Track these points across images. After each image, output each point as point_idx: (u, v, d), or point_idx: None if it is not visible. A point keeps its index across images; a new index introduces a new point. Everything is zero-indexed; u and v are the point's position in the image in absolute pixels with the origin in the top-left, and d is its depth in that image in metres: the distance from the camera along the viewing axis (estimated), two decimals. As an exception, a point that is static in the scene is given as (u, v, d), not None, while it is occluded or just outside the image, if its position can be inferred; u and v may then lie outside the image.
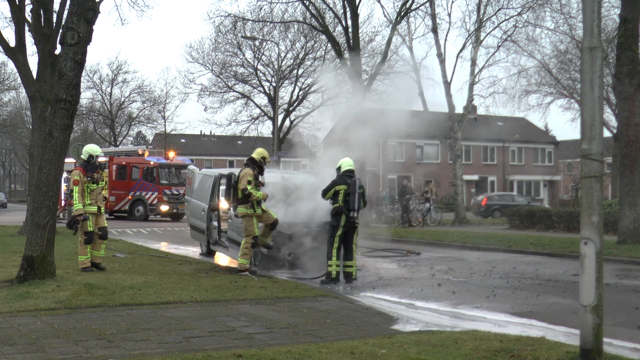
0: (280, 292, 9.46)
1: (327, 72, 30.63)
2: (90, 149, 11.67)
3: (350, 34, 27.02)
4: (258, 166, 11.79)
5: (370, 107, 24.85)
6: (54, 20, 20.49)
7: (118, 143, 56.23)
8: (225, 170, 14.57)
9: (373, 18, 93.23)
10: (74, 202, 11.15)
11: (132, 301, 8.48)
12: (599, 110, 5.66)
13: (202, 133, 74.93)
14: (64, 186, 32.12)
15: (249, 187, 11.36)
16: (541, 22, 33.79)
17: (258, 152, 11.96)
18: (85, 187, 11.24)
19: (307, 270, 12.31)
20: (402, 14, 28.51)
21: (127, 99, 58.34)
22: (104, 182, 12.04)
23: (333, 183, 11.43)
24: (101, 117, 58.63)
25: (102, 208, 11.60)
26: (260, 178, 11.81)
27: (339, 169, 11.68)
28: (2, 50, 21.78)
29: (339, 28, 30.99)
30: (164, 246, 18.49)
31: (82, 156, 11.57)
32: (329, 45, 33.31)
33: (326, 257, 11.46)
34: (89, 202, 11.27)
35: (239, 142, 56.83)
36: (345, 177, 11.42)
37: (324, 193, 11.46)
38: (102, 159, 34.44)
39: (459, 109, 33.18)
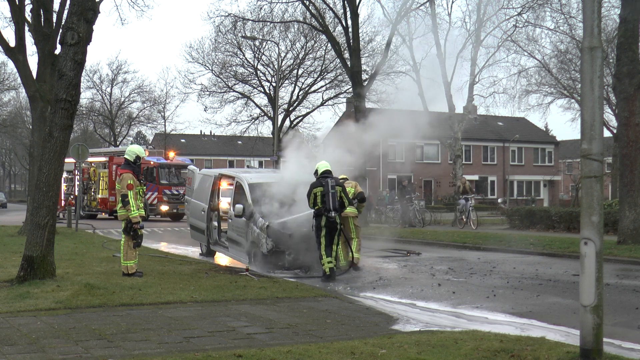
0: (280, 292, 9.46)
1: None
2: (138, 149, 11.08)
3: (350, 34, 27.02)
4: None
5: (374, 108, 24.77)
6: (54, 20, 20.49)
7: (118, 143, 56.22)
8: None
9: (373, 18, 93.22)
10: (132, 208, 10.57)
11: (132, 301, 8.49)
12: (599, 110, 5.65)
13: (202, 133, 74.98)
14: (63, 186, 32.19)
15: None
16: (541, 22, 33.79)
17: None
18: (138, 190, 10.81)
19: (307, 270, 12.35)
20: (402, 14, 28.51)
21: (127, 99, 58.44)
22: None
23: (310, 187, 11.66)
24: (101, 117, 58.64)
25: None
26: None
27: (316, 172, 11.88)
28: (2, 50, 21.79)
29: (339, 28, 30.99)
30: (164, 246, 18.47)
31: (126, 156, 10.96)
32: (329, 45, 33.31)
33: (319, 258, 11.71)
34: (141, 205, 10.81)
35: (239, 142, 56.82)
36: (322, 179, 11.67)
37: (308, 200, 11.68)
38: (102, 159, 34.61)
39: (459, 109, 33.17)
